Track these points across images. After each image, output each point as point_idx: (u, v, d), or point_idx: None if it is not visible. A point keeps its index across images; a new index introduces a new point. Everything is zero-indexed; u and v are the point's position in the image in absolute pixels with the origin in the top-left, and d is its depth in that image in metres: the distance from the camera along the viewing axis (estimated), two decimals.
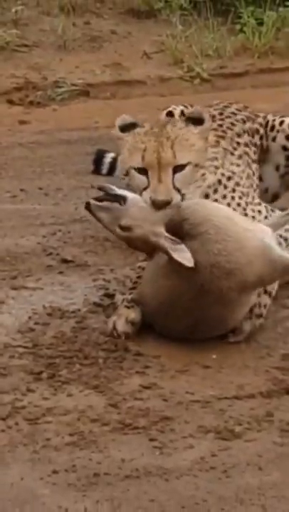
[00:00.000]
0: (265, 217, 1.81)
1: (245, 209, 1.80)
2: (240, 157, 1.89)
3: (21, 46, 3.30)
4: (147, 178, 1.70)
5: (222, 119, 1.95)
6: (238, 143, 1.92)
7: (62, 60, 3.27)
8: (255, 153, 1.97)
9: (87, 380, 1.62)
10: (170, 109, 2.10)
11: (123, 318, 1.73)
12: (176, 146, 1.69)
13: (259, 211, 1.83)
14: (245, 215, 1.78)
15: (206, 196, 1.76)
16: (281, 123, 2.04)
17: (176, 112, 2.07)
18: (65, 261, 2.06)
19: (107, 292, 1.91)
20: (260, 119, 2.04)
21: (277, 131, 2.02)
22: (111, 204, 1.69)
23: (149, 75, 3.25)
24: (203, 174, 1.73)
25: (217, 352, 1.69)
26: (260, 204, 1.85)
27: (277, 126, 2.03)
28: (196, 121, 1.74)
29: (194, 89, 3.23)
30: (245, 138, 1.96)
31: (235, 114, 2.00)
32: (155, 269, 1.68)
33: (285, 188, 2.08)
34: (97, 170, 2.49)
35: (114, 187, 1.75)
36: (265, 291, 1.75)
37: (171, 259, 1.60)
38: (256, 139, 2.00)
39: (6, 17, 3.38)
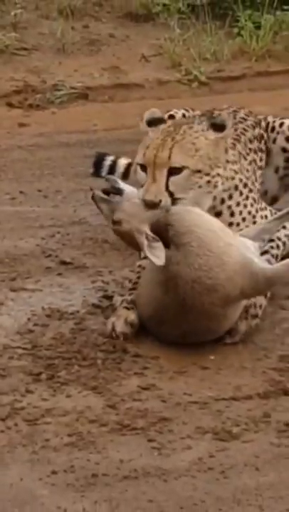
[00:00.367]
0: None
1: (254, 216, 1.81)
2: (250, 163, 1.91)
3: (20, 49, 3.32)
4: (146, 175, 1.70)
5: (235, 124, 1.96)
6: (249, 149, 1.94)
7: (61, 64, 3.29)
8: (261, 159, 1.98)
9: (86, 381, 1.63)
10: (172, 112, 2.10)
11: (122, 319, 1.74)
12: (175, 148, 1.70)
13: (265, 216, 1.83)
14: (254, 222, 1.79)
15: (222, 201, 1.76)
16: (281, 125, 2.06)
17: (178, 116, 2.08)
18: (63, 263, 2.07)
19: (106, 294, 1.92)
20: (263, 124, 2.06)
21: (278, 133, 2.04)
22: (111, 196, 1.70)
23: (147, 78, 3.27)
24: (209, 181, 1.71)
25: (215, 353, 1.70)
26: (265, 208, 1.86)
27: (277, 128, 2.05)
28: (218, 127, 1.74)
29: (192, 92, 3.24)
30: (255, 144, 1.97)
31: (245, 119, 2.01)
32: (149, 277, 1.70)
33: (284, 190, 2.10)
34: (96, 172, 2.50)
35: (118, 180, 1.75)
36: None
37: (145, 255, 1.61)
38: (262, 145, 2.01)
39: (5, 20, 3.40)
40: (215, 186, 1.74)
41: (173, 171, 1.69)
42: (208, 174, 1.72)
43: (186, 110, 2.12)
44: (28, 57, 3.29)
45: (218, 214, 1.77)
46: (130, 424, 1.52)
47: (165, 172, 1.68)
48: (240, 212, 1.79)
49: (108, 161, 2.48)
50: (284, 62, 3.40)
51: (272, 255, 1.81)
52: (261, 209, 1.84)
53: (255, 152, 1.97)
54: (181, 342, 1.69)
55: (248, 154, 1.91)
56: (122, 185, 1.73)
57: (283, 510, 1.36)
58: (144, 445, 1.47)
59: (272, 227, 1.76)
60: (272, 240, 1.83)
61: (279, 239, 1.86)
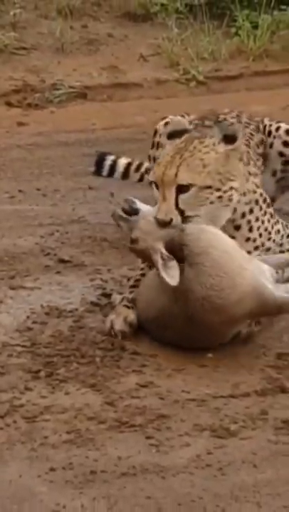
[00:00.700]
0: (282, 237, 1.81)
1: (270, 233, 1.79)
2: (259, 168, 1.90)
3: (19, 49, 3.33)
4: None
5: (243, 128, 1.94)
6: (258, 154, 1.94)
7: (60, 63, 3.30)
8: (263, 164, 1.98)
9: (85, 379, 1.64)
10: (167, 119, 2.09)
11: (121, 318, 1.74)
12: (182, 165, 1.66)
13: (278, 230, 1.82)
14: (269, 239, 1.77)
15: (243, 215, 1.74)
16: (277, 129, 2.06)
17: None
18: (62, 261, 2.07)
19: (104, 292, 1.93)
20: (261, 127, 2.06)
21: (274, 137, 2.04)
22: (129, 215, 1.72)
23: (146, 77, 3.28)
24: (220, 196, 1.66)
25: (213, 351, 1.70)
26: (278, 222, 1.84)
27: (273, 132, 2.04)
28: (230, 139, 1.70)
29: (190, 91, 3.25)
30: (260, 149, 1.98)
31: (249, 124, 2.00)
32: (153, 281, 1.70)
33: (281, 192, 2.10)
34: (98, 171, 2.50)
35: (136, 200, 1.76)
36: None
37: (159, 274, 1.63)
38: (261, 149, 2.01)
39: (5, 20, 3.41)
40: (230, 200, 1.68)
41: (181, 189, 1.66)
42: (219, 189, 1.68)
43: (182, 116, 2.10)
44: (27, 56, 3.30)
45: (237, 228, 1.75)
46: (128, 421, 1.52)
47: (174, 190, 1.66)
48: (258, 228, 1.75)
49: (109, 160, 2.48)
50: (281, 62, 3.41)
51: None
52: (275, 223, 1.82)
53: (260, 156, 1.97)
54: (179, 345, 1.70)
55: (258, 160, 1.91)
56: (139, 204, 1.73)
57: (281, 506, 1.36)
58: (142, 442, 1.48)
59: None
60: None
61: None
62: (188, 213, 1.68)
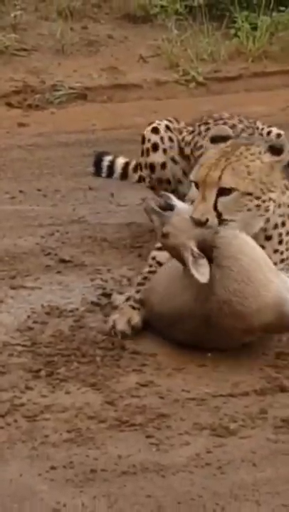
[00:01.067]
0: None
1: None
2: None
3: (20, 50, 3.35)
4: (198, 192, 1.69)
5: (251, 134, 1.97)
6: None
7: (60, 64, 3.31)
8: None
9: (85, 378, 1.64)
10: (154, 125, 2.08)
11: (125, 318, 1.74)
12: (227, 168, 1.67)
13: None
14: None
15: (275, 226, 1.74)
16: (269, 133, 2.06)
17: (162, 128, 2.06)
18: (63, 261, 2.08)
19: (105, 292, 1.93)
20: (257, 129, 2.06)
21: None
22: (162, 210, 1.71)
23: (145, 78, 3.29)
24: (259, 206, 1.65)
25: (212, 351, 1.71)
26: None
27: (264, 137, 2.05)
28: (276, 150, 1.69)
29: (189, 92, 3.26)
30: None
31: (252, 127, 2.02)
32: (174, 275, 1.71)
33: None
34: (97, 172, 2.50)
35: (171, 196, 1.75)
36: None
37: (188, 271, 1.62)
38: None
39: (5, 21, 3.42)
40: (266, 210, 1.69)
41: (223, 192, 1.67)
42: (258, 198, 1.68)
43: (170, 121, 2.09)
44: (27, 57, 3.31)
45: (268, 238, 1.75)
46: (129, 420, 1.53)
47: (215, 192, 1.66)
48: (287, 242, 1.75)
49: (106, 161, 2.49)
50: (280, 63, 3.43)
51: None
52: None
53: None
54: (183, 342, 1.70)
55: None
56: (175, 201, 1.73)
57: (280, 505, 1.37)
58: (142, 441, 1.49)
59: None
60: None
61: None
62: (225, 217, 1.68)
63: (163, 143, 2.06)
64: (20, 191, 2.48)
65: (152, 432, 1.50)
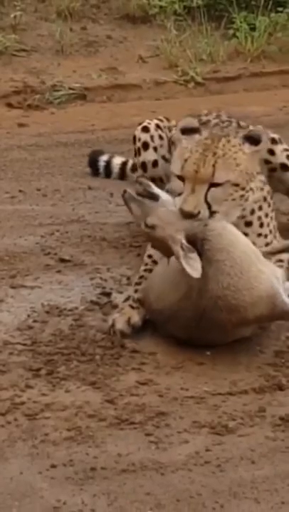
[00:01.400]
0: (275, 237, 1.81)
1: (276, 230, 1.80)
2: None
3: (20, 51, 3.36)
4: (184, 185, 1.68)
5: (225, 127, 1.94)
6: None
7: (60, 65, 3.33)
8: None
9: (85, 377, 1.65)
10: (145, 124, 2.08)
11: (125, 318, 1.75)
12: (218, 164, 1.66)
13: (275, 228, 1.82)
14: (275, 237, 1.78)
15: (252, 212, 1.75)
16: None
17: (152, 126, 2.06)
18: (62, 260, 2.08)
19: (104, 291, 1.94)
20: (242, 123, 2.05)
21: None
22: (144, 198, 1.69)
23: (145, 78, 3.30)
24: (243, 195, 1.67)
25: (211, 349, 1.71)
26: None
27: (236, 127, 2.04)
28: (253, 140, 1.70)
29: (188, 92, 3.28)
30: None
31: (230, 122, 2.00)
32: (166, 272, 1.70)
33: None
34: (94, 172, 2.51)
35: (152, 184, 1.74)
36: None
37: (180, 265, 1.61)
38: None
39: (5, 22, 3.44)
40: (246, 200, 1.70)
41: (214, 185, 1.67)
42: (243, 188, 1.69)
43: (160, 120, 2.09)
44: (27, 58, 3.33)
45: (248, 224, 1.75)
46: (128, 418, 1.53)
47: (206, 186, 1.66)
48: (268, 224, 1.77)
49: (102, 162, 2.48)
50: (278, 63, 3.44)
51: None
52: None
53: None
54: (181, 338, 1.70)
55: None
56: (157, 190, 1.72)
57: (278, 502, 1.38)
58: (141, 439, 1.49)
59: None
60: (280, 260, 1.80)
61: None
62: (214, 208, 1.67)
63: (153, 141, 2.05)
64: (20, 191, 2.48)
65: (152, 430, 1.51)
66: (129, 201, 1.71)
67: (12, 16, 3.43)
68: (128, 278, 1.95)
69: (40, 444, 1.48)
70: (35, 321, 1.83)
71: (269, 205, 1.78)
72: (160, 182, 2.03)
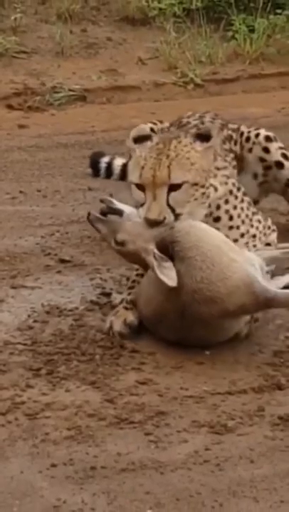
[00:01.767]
0: (263, 227, 1.83)
1: (251, 220, 1.82)
2: (229, 164, 1.93)
3: (20, 53, 3.38)
4: (144, 194, 1.70)
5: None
6: (225, 150, 1.96)
7: (60, 66, 3.35)
8: (233, 159, 2.00)
9: (85, 376, 1.66)
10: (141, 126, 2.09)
11: (121, 319, 1.76)
12: (173, 165, 1.68)
13: (258, 220, 1.85)
14: (252, 226, 1.80)
15: (218, 207, 1.77)
16: (257, 135, 2.08)
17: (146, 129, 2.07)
18: (63, 261, 2.09)
19: (104, 291, 1.95)
20: (231, 125, 2.08)
21: (253, 143, 2.05)
22: (109, 217, 1.72)
23: (144, 80, 3.33)
24: (204, 193, 1.71)
25: (210, 349, 1.72)
26: (257, 213, 1.88)
27: (252, 138, 2.06)
28: (204, 137, 1.73)
29: (188, 94, 3.30)
30: (227, 145, 2.00)
31: (212, 122, 2.03)
32: (150, 279, 1.72)
33: (264, 195, 2.12)
34: (95, 173, 2.52)
35: (114, 200, 1.76)
36: None
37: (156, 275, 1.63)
38: (232, 146, 2.03)
39: (5, 24, 3.46)
40: (208, 197, 1.72)
41: (173, 188, 1.68)
42: (203, 186, 1.71)
43: (154, 123, 2.12)
44: (27, 60, 3.35)
45: (217, 219, 1.77)
46: (128, 418, 1.54)
47: (165, 190, 1.67)
48: (239, 215, 1.78)
49: (103, 163, 2.50)
50: (277, 65, 3.47)
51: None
52: (254, 213, 1.85)
53: (229, 152, 1.98)
54: (178, 342, 1.72)
55: (226, 156, 1.93)
56: (120, 205, 1.74)
57: (277, 501, 1.38)
58: (141, 438, 1.50)
59: (285, 259, 1.76)
60: None
61: None
62: (178, 211, 1.69)
63: None
64: (21, 192, 2.49)
65: (151, 430, 1.52)
66: (95, 222, 1.73)
67: (12, 18, 3.45)
68: (128, 278, 1.96)
69: (40, 444, 1.49)
70: (35, 321, 1.84)
71: (236, 198, 1.79)
72: None
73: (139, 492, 1.39)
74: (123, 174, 2.48)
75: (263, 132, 2.09)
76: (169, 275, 1.62)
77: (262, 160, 2.05)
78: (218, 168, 1.79)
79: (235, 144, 2.05)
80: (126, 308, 1.78)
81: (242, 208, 1.80)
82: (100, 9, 3.64)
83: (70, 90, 3.18)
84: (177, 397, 1.60)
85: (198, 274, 1.61)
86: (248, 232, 1.80)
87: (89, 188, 2.52)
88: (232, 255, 1.66)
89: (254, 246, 1.80)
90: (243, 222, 1.80)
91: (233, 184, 1.82)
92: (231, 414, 1.56)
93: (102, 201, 1.79)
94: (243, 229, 1.80)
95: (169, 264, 1.63)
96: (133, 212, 1.73)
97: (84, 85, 3.23)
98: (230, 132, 2.05)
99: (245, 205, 1.82)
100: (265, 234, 1.85)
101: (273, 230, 1.90)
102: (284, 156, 2.05)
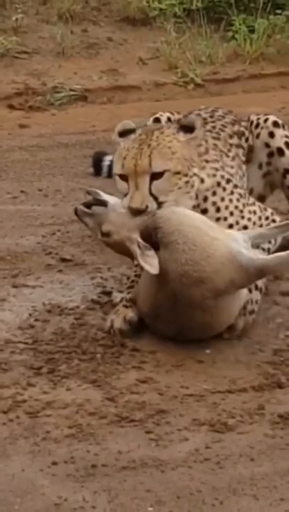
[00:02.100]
0: (260, 218, 1.86)
1: (242, 211, 1.83)
2: (233, 159, 1.94)
3: (21, 53, 3.39)
4: (128, 184, 1.71)
5: (213, 122, 2.00)
6: (230, 144, 1.97)
7: (61, 67, 3.36)
8: (243, 155, 2.02)
9: (86, 375, 1.66)
10: (157, 115, 2.13)
11: (121, 317, 1.77)
12: (154, 154, 1.70)
13: (254, 211, 1.86)
14: (242, 217, 1.82)
15: (205, 199, 1.79)
16: (265, 120, 2.09)
17: (163, 119, 2.10)
18: (63, 260, 2.10)
19: (105, 290, 1.96)
20: (244, 122, 2.09)
21: (262, 128, 2.07)
22: (94, 209, 1.72)
23: (145, 80, 3.34)
24: (187, 182, 1.74)
25: (210, 347, 1.73)
26: (254, 204, 1.89)
27: (261, 124, 2.07)
28: (188, 128, 1.76)
29: (188, 94, 3.31)
30: (235, 140, 2.01)
31: (223, 117, 2.04)
32: (145, 276, 1.72)
33: (270, 189, 2.12)
34: (97, 172, 2.53)
35: (100, 191, 1.77)
36: (256, 287, 1.78)
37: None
38: (243, 142, 2.04)
39: (7, 25, 3.47)
40: (192, 186, 1.73)
41: (154, 176, 1.70)
42: (186, 175, 1.73)
43: (172, 113, 2.13)
44: (28, 60, 3.36)
45: (203, 211, 1.78)
46: (128, 416, 1.55)
47: (147, 179, 1.69)
48: (227, 207, 1.78)
49: (106, 161, 2.51)
50: (277, 65, 3.47)
51: (264, 249, 1.83)
52: (249, 204, 1.86)
53: (237, 147, 1.99)
54: (178, 338, 1.72)
55: (229, 150, 1.94)
56: (105, 196, 1.75)
57: (277, 499, 1.39)
58: (142, 437, 1.50)
59: (271, 234, 1.78)
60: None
61: None
62: (161, 199, 1.71)
63: None
64: (22, 191, 2.50)
65: (152, 428, 1.52)
66: (83, 217, 1.74)
67: (14, 18, 3.46)
68: (128, 277, 1.96)
69: (41, 442, 1.49)
70: (36, 320, 1.85)
71: (224, 189, 1.81)
72: None
73: (139, 490, 1.39)
74: None
75: (272, 117, 2.09)
76: (151, 263, 1.61)
77: (267, 145, 2.04)
78: (207, 161, 1.81)
79: (247, 140, 2.05)
80: (125, 306, 1.79)
81: (230, 200, 1.81)
82: (100, 9, 3.64)
83: (71, 90, 3.19)
84: (178, 396, 1.60)
85: (182, 256, 1.61)
86: (237, 223, 1.80)
87: (90, 187, 2.52)
88: (212, 234, 1.67)
89: None
90: (231, 213, 1.81)
91: (222, 176, 1.83)
92: (231, 412, 1.57)
93: (88, 193, 1.79)
94: (231, 220, 1.80)
95: (151, 252, 1.62)
96: (118, 203, 1.73)
97: (85, 85, 3.24)
98: (242, 129, 2.05)
99: (235, 196, 1.83)
100: (261, 225, 1.85)
101: (273, 220, 1.90)
102: (287, 144, 2.04)
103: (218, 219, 1.80)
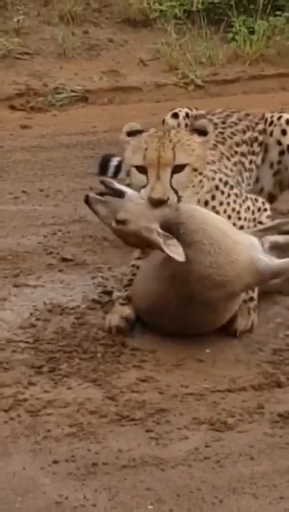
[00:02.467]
0: (253, 212, 1.86)
1: (239, 212, 1.85)
2: (235, 164, 1.96)
3: (23, 54, 3.40)
4: (146, 176, 1.70)
5: (224, 128, 2.02)
6: (235, 152, 1.99)
7: (62, 68, 3.36)
8: (251, 162, 2.04)
9: (86, 374, 1.67)
10: (175, 110, 2.14)
11: (118, 315, 1.78)
12: (177, 147, 1.71)
13: (248, 208, 1.88)
14: (239, 218, 1.84)
15: (206, 203, 1.80)
16: (279, 118, 2.11)
17: (182, 114, 2.11)
18: (64, 260, 2.11)
19: (105, 289, 1.97)
20: (260, 126, 2.11)
21: (275, 125, 2.09)
22: (109, 198, 1.71)
23: (145, 81, 3.34)
24: (201, 181, 1.75)
25: (211, 347, 1.74)
26: (246, 199, 1.90)
27: (275, 121, 2.09)
28: (200, 132, 1.78)
29: (188, 95, 3.31)
30: (243, 148, 2.02)
31: (236, 123, 2.06)
32: (146, 271, 1.73)
33: (280, 189, 2.13)
34: (102, 173, 2.52)
35: (114, 181, 1.76)
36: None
37: (164, 253, 1.63)
38: (255, 147, 2.06)
39: (8, 26, 3.48)
40: (202, 187, 1.76)
41: (176, 169, 1.71)
42: (201, 173, 1.76)
43: (190, 109, 2.15)
44: (30, 61, 3.36)
45: None
46: (129, 415, 1.55)
47: (169, 171, 1.70)
48: (225, 211, 1.81)
49: (115, 161, 2.50)
50: (277, 66, 3.48)
51: None
52: (243, 202, 1.88)
53: (244, 155, 2.02)
54: (179, 333, 1.72)
55: (232, 156, 1.96)
56: (121, 186, 1.74)
57: (277, 497, 1.40)
58: (142, 435, 1.51)
59: (285, 243, 1.78)
60: None
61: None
62: (180, 193, 1.72)
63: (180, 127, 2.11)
64: (24, 192, 2.50)
65: (152, 427, 1.53)
66: (94, 204, 1.72)
67: (15, 19, 3.46)
68: (126, 275, 1.96)
69: (42, 440, 1.50)
70: (37, 320, 1.85)
71: (223, 193, 1.83)
72: None
73: (140, 488, 1.40)
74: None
75: (285, 115, 2.11)
76: (176, 251, 1.60)
77: (278, 143, 2.06)
78: (207, 163, 1.82)
79: (260, 145, 2.07)
80: (122, 304, 1.79)
81: (228, 203, 1.83)
82: (101, 11, 3.65)
83: (72, 91, 3.20)
84: (178, 395, 1.61)
85: (207, 259, 1.61)
86: (234, 225, 1.82)
87: (91, 187, 2.52)
88: (234, 236, 1.68)
89: None
90: (229, 217, 1.83)
91: (220, 179, 1.85)
92: (231, 411, 1.57)
93: (102, 182, 1.78)
94: (229, 222, 1.82)
95: (174, 241, 1.62)
96: (134, 194, 1.72)
97: (86, 86, 3.24)
98: (255, 134, 2.08)
99: (232, 198, 1.85)
100: (254, 219, 1.87)
101: (265, 209, 1.92)
102: None
103: None
